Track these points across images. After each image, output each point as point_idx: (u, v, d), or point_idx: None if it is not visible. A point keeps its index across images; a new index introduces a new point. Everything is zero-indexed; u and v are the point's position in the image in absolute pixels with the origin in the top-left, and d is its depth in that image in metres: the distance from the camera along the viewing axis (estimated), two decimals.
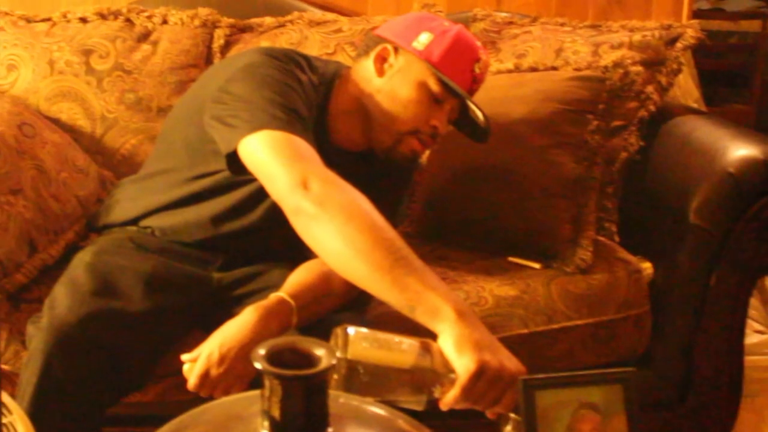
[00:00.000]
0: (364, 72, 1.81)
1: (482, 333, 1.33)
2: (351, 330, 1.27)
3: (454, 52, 1.76)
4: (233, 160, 1.59)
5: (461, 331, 1.31)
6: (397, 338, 1.31)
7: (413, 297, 1.35)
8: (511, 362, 1.31)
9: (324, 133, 1.78)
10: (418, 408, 1.26)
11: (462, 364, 1.28)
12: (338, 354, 1.23)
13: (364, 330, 1.29)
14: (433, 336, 1.33)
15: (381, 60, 1.79)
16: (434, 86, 1.75)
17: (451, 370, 1.29)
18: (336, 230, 1.41)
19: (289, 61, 1.73)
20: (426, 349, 1.30)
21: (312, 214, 1.43)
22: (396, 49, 1.79)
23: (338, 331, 1.27)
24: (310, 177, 1.46)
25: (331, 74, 1.84)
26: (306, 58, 1.81)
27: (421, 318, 1.35)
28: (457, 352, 1.29)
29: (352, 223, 1.40)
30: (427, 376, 1.29)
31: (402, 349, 1.29)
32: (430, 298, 1.34)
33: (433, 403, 1.30)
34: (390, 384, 1.27)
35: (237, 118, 1.60)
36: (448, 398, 1.29)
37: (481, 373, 1.28)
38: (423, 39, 1.77)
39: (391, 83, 1.78)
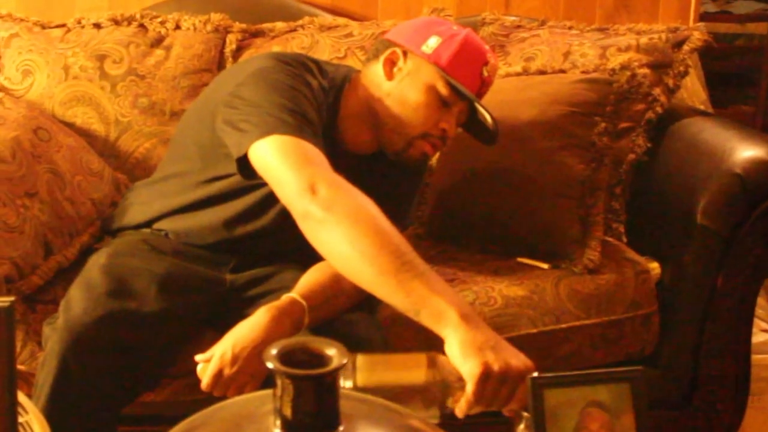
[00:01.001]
0: (374, 76, 1.82)
1: (486, 334, 1.34)
2: (359, 357, 1.27)
3: (462, 55, 1.76)
4: (244, 164, 1.60)
5: (465, 334, 1.32)
6: (403, 356, 1.32)
7: (418, 300, 1.36)
8: (517, 360, 1.32)
9: (334, 137, 1.79)
10: (434, 422, 1.26)
11: (467, 369, 1.29)
12: (348, 383, 1.23)
13: (371, 355, 1.30)
14: (439, 339, 1.34)
15: (390, 64, 1.80)
16: (443, 89, 1.76)
17: (461, 378, 1.30)
18: (343, 234, 1.42)
19: (300, 66, 1.74)
20: (433, 363, 1.30)
21: (319, 219, 1.44)
22: (405, 53, 1.79)
23: None
24: (318, 182, 1.47)
25: (341, 78, 1.85)
26: (316, 62, 1.82)
27: (426, 321, 1.36)
28: (462, 356, 1.30)
29: (358, 227, 1.41)
30: (439, 389, 1.29)
31: (410, 367, 1.30)
32: (435, 301, 1.35)
33: (448, 415, 1.30)
34: (403, 403, 1.28)
35: (247, 122, 1.61)
36: (462, 406, 1.30)
37: (487, 376, 1.28)
38: (432, 43, 1.77)
39: (401, 87, 1.78)
